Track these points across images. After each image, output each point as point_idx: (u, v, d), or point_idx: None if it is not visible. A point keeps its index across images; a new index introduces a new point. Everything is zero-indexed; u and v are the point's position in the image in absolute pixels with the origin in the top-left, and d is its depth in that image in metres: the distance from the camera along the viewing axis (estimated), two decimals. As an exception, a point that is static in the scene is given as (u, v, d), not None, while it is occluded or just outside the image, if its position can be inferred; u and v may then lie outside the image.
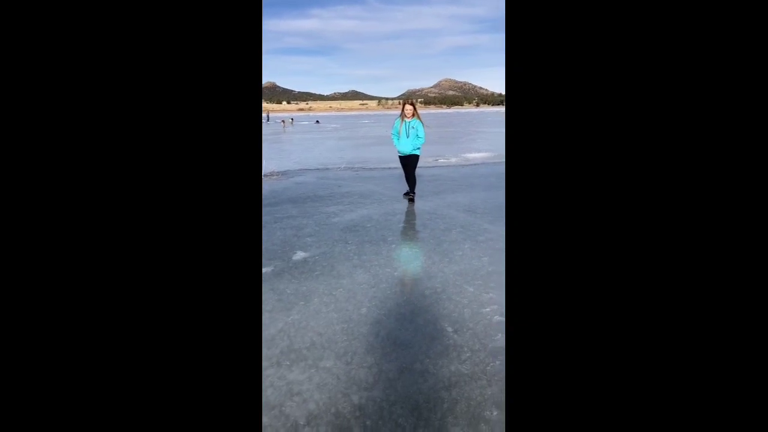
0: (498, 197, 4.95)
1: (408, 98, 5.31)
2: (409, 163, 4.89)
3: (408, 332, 2.00)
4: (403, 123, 4.77)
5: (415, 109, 4.85)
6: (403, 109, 4.85)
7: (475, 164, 8.00)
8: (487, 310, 2.21)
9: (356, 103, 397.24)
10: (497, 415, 1.46)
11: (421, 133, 4.77)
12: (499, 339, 1.93)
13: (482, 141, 13.70)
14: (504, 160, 7.87)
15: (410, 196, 4.93)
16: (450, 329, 2.03)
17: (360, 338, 1.96)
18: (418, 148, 4.83)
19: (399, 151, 4.89)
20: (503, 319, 2.11)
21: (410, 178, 4.94)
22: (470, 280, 2.59)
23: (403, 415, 1.45)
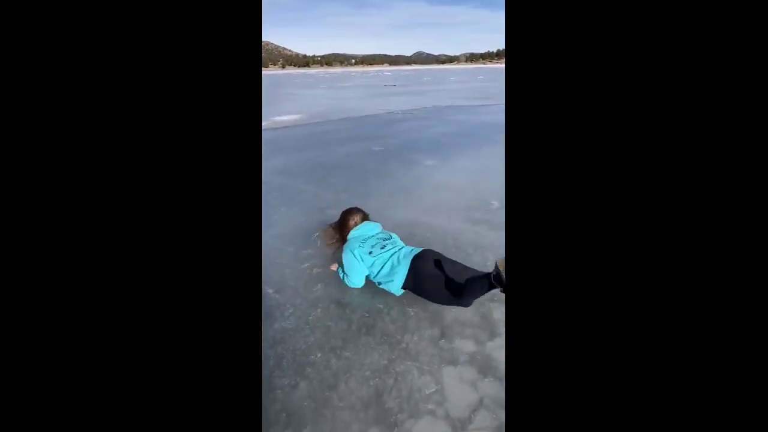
0: (312, 157, 5.03)
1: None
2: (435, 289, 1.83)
3: (227, 304, 1.92)
4: (370, 237, 2.08)
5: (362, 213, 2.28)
6: (349, 219, 2.22)
7: (286, 127, 7.87)
8: (307, 265, 2.29)
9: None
10: (321, 356, 1.56)
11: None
12: (319, 289, 2.04)
13: (290, 103, 13.49)
14: (317, 120, 7.85)
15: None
16: (271, 291, 2.03)
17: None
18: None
19: (395, 288, 1.88)
20: (321, 270, 2.23)
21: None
22: (289, 241, 2.61)
23: (228, 385, 1.42)
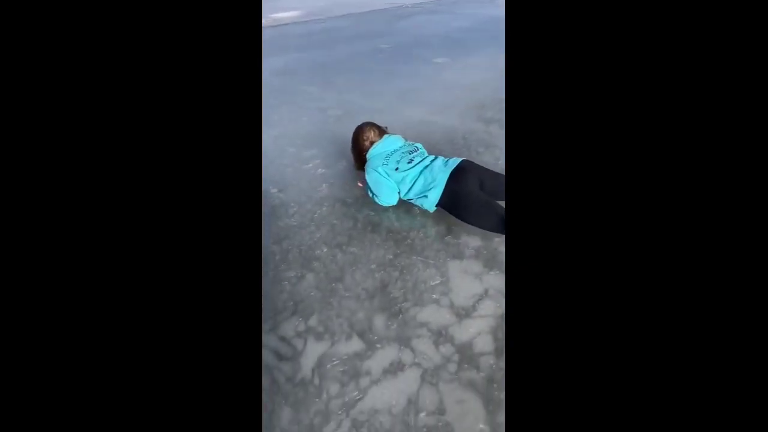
0: (314, 56, 4.68)
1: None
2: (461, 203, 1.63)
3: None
4: (394, 152, 1.83)
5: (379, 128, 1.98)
6: (362, 140, 1.93)
7: (285, 24, 7.24)
8: (310, 165, 2.22)
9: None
10: (326, 251, 1.56)
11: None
12: (324, 188, 1.99)
13: (290, -2, 12.29)
14: (319, 16, 7.20)
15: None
16: (274, 190, 1.99)
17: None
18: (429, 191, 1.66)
19: (429, 204, 1.67)
20: (326, 170, 2.16)
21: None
22: (290, 141, 2.51)
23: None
